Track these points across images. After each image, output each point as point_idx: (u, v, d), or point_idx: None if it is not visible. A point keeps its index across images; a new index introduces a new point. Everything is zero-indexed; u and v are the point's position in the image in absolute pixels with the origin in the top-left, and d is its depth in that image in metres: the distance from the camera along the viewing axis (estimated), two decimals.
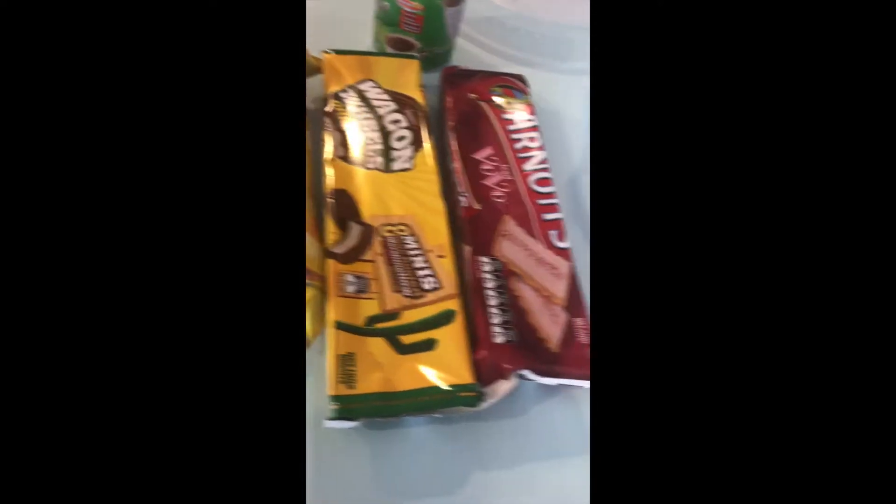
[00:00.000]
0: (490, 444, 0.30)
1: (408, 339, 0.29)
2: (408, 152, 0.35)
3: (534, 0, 0.51)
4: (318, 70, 0.39)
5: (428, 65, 0.42)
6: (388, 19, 0.41)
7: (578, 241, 0.38)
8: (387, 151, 0.35)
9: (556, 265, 0.33)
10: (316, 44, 0.37)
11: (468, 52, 0.46)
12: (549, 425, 0.32)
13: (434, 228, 0.33)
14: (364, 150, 0.35)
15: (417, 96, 0.38)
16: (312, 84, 0.38)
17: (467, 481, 0.29)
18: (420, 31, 0.40)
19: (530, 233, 0.34)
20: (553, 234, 0.34)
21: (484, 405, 0.29)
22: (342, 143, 0.35)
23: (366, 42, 0.44)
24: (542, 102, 0.44)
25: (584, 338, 0.31)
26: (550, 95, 0.45)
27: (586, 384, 0.30)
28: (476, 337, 0.30)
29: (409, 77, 0.39)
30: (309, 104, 0.39)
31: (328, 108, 0.36)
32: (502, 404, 0.30)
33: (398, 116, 0.37)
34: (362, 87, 0.38)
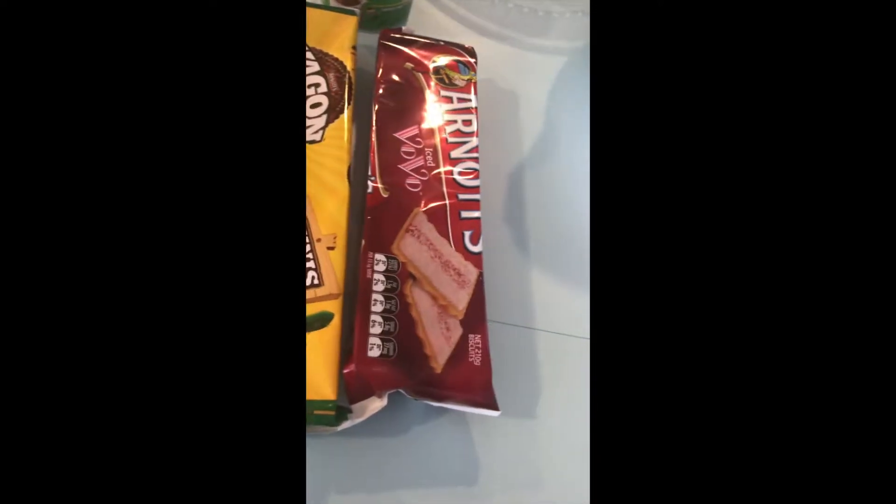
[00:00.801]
0: (354, 465, 0.27)
1: None
2: (320, 122, 0.31)
3: None
4: None
5: (376, 24, 0.38)
6: None
7: (507, 245, 0.34)
8: None
9: (462, 271, 0.29)
10: None
11: (425, 14, 0.41)
12: (430, 448, 0.28)
13: (330, 214, 0.29)
14: None
15: (346, 59, 0.34)
16: None
17: None
18: None
19: (442, 231, 0.30)
20: (468, 234, 0.30)
21: (346, 425, 0.25)
22: None
23: None
24: (499, 80, 0.40)
25: (476, 358, 0.27)
26: (510, 73, 0.40)
27: (472, 410, 0.27)
28: (350, 347, 0.26)
29: (341, 36, 0.34)
30: None
31: None
32: (377, 422, 0.26)
33: (318, 80, 0.33)
34: None
